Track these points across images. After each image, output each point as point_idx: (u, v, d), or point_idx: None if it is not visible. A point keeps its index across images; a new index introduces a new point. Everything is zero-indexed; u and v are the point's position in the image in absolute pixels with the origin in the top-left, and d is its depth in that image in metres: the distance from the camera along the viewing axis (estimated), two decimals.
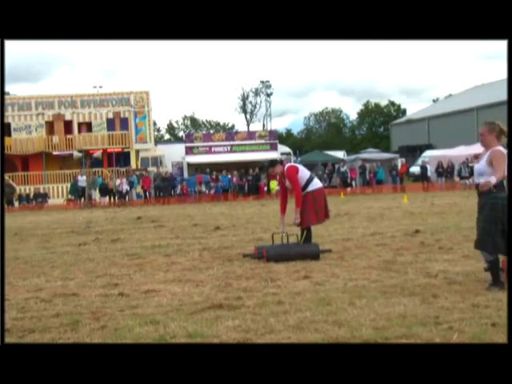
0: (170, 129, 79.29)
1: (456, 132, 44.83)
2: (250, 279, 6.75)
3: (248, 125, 66.49)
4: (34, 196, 31.28)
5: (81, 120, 37.41)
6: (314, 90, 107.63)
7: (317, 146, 63.36)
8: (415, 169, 35.67)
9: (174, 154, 36.09)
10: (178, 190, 31.19)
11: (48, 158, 36.08)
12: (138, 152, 37.09)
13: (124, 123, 37.52)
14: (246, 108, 67.14)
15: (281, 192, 8.89)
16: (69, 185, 31.85)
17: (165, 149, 39.26)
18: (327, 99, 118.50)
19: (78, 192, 30.10)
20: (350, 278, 6.58)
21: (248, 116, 67.50)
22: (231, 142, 36.24)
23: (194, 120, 78.17)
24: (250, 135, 37.47)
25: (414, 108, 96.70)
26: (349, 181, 32.50)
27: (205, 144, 35.97)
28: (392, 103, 77.12)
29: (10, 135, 35.91)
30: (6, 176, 30.43)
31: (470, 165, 31.96)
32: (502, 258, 6.36)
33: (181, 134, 73.03)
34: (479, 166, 5.78)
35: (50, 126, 37.16)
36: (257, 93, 65.64)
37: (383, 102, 77.81)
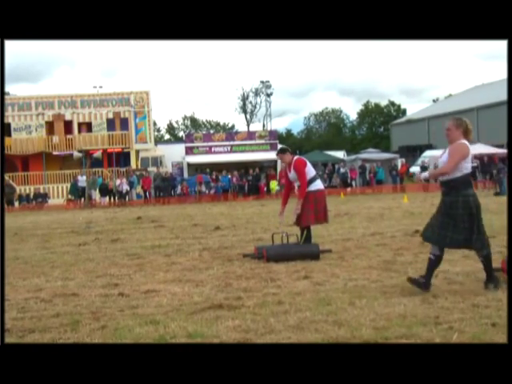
0: (170, 129, 79.30)
1: None
2: (250, 279, 6.75)
3: (248, 125, 66.59)
4: (34, 196, 31.29)
5: (81, 120, 37.43)
6: (314, 89, 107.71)
7: (317, 146, 63.37)
8: (415, 169, 35.62)
9: (174, 154, 36.09)
10: (179, 190, 31.21)
11: (48, 158, 36.11)
12: (138, 152, 37.11)
13: (124, 123, 37.54)
14: (246, 108, 67.21)
15: (285, 183, 8.91)
16: (69, 185, 31.86)
17: (165, 149, 39.28)
18: (327, 99, 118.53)
19: (78, 192, 30.11)
20: (350, 278, 6.58)
21: (248, 116, 67.59)
22: (231, 142, 36.24)
23: (194, 120, 78.18)
24: (250, 135, 37.47)
25: (414, 108, 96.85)
26: (349, 181, 32.51)
27: (205, 144, 35.98)
28: (392, 103, 77.12)
29: (10, 135, 35.93)
30: (6, 176, 30.45)
31: (471, 165, 31.99)
32: (502, 258, 6.37)
33: (181, 134, 73.05)
34: (442, 159, 5.65)
35: (50, 126, 37.19)
36: (257, 93, 65.73)
37: (383, 102, 77.91)
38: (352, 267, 7.30)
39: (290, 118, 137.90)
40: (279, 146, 10.57)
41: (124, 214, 20.71)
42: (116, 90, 38.52)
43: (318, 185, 8.50)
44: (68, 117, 37.19)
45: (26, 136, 36.50)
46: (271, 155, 35.62)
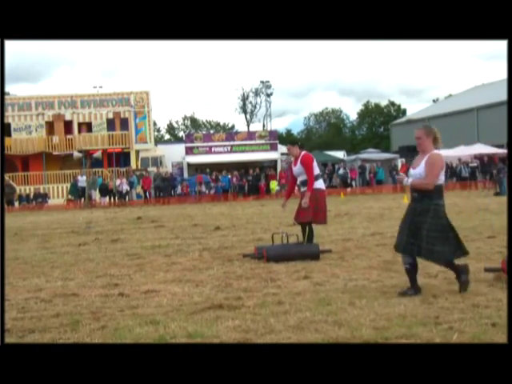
0: (170, 129, 79.28)
1: (456, 132, 44.76)
2: (250, 279, 6.75)
3: (248, 125, 66.59)
4: (34, 196, 31.29)
5: (81, 120, 37.45)
6: (314, 90, 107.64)
7: (317, 146, 63.32)
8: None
9: (174, 154, 36.09)
10: (179, 190, 31.22)
11: (48, 158, 36.11)
12: (138, 152, 37.12)
13: (124, 123, 37.54)
14: (246, 108, 67.21)
15: (290, 177, 8.95)
16: (69, 185, 31.86)
17: (165, 149, 39.28)
18: (327, 99, 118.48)
19: (78, 192, 30.11)
20: (350, 278, 6.58)
21: (248, 116, 67.59)
22: (231, 142, 36.24)
23: (194, 120, 78.17)
24: (250, 135, 37.47)
25: (414, 108, 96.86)
26: (349, 181, 32.50)
27: (205, 144, 35.98)
28: (392, 103, 77.10)
29: (10, 135, 35.94)
30: (6, 176, 30.45)
31: (471, 165, 32.01)
32: (502, 259, 6.36)
33: (181, 134, 73.02)
34: (418, 170, 5.54)
35: (50, 126, 37.20)
36: (257, 93, 65.74)
37: (383, 102, 77.89)
38: (352, 267, 7.30)
39: (290, 118, 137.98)
40: (291, 139, 10.56)
41: (124, 214, 20.71)
42: (116, 90, 38.54)
43: (321, 184, 8.52)
44: (68, 117, 37.20)
45: (25, 136, 36.51)
46: (271, 155, 35.69)
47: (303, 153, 8.54)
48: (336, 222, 12.95)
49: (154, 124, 58.77)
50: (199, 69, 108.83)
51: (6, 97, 37.02)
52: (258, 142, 36.41)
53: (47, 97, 37.59)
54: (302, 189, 8.52)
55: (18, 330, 4.83)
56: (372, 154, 41.11)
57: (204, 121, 78.44)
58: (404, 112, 73.92)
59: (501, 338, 4.05)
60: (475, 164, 32.31)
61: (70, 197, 31.10)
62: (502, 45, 4.70)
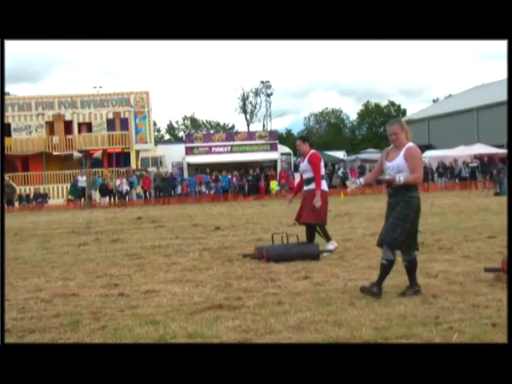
0: (170, 129, 79.29)
1: (456, 132, 44.80)
2: (250, 279, 6.75)
3: (248, 125, 66.58)
4: (34, 196, 31.29)
5: (81, 120, 37.44)
6: (314, 90, 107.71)
7: (317, 146, 62.72)
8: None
9: (174, 155, 36.08)
10: (179, 190, 31.22)
11: (48, 159, 36.11)
12: (138, 152, 37.12)
13: (124, 123, 37.54)
14: (246, 108, 67.20)
15: (300, 174, 8.94)
16: (69, 185, 31.86)
17: (165, 149, 39.28)
18: (327, 99, 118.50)
19: (78, 192, 30.11)
20: (350, 278, 6.58)
21: (248, 116, 67.58)
22: (231, 143, 36.22)
23: (194, 120, 78.17)
24: (250, 135, 37.45)
25: (414, 108, 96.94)
26: None
27: (205, 144, 35.96)
28: (392, 103, 77.10)
29: (10, 135, 35.93)
30: (6, 176, 30.44)
31: (471, 165, 32.02)
32: (502, 259, 6.36)
33: (181, 134, 73.03)
34: (396, 162, 5.51)
35: (50, 127, 37.20)
36: (257, 93, 65.72)
37: (383, 103, 77.88)
38: (352, 267, 7.30)
39: (290, 118, 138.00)
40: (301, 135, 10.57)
41: (124, 214, 20.71)
42: (116, 90, 38.53)
43: (324, 186, 8.51)
44: (68, 117, 37.19)
45: (26, 136, 36.50)
46: (271, 155, 35.67)
47: (312, 151, 8.54)
48: (336, 222, 12.94)
49: (154, 124, 58.77)
50: (199, 69, 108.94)
51: (6, 97, 37.03)
52: (258, 142, 36.40)
53: (47, 97, 37.58)
54: (305, 187, 8.52)
55: (17, 330, 4.83)
56: (372, 154, 41.13)
57: (204, 121, 78.48)
58: (404, 112, 73.90)
59: (501, 338, 4.05)
60: (475, 164, 32.32)
61: (70, 197, 31.11)
62: (501, 45, 4.70)
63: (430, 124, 52.23)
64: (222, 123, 76.75)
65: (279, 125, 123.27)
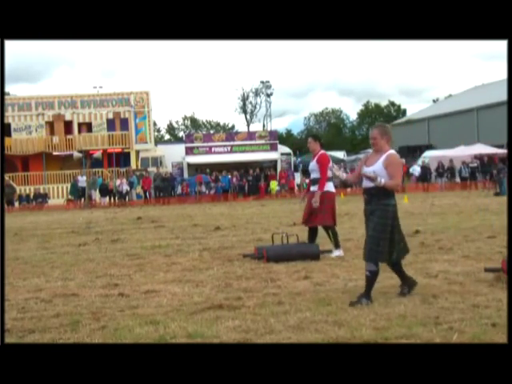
0: (170, 129, 79.29)
1: (456, 132, 44.82)
2: (250, 279, 6.75)
3: (248, 125, 66.57)
4: (34, 196, 31.29)
5: (81, 120, 37.45)
6: (314, 90, 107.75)
7: None
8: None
9: (174, 155, 36.07)
10: (179, 190, 31.22)
11: (48, 159, 36.12)
12: (138, 152, 37.12)
13: (124, 123, 37.54)
14: (246, 108, 67.18)
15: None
16: (69, 185, 31.86)
17: (165, 149, 39.28)
18: (327, 99, 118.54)
19: (78, 192, 30.11)
20: (350, 278, 6.58)
21: (248, 116, 67.57)
22: (231, 143, 36.22)
23: (194, 120, 78.17)
24: (250, 135, 37.45)
25: (414, 108, 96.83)
26: (349, 181, 32.45)
27: (205, 144, 35.95)
28: (392, 103, 77.16)
29: (10, 135, 35.94)
30: (6, 176, 30.44)
31: (471, 165, 32.02)
32: (502, 259, 6.36)
33: (181, 134, 73.03)
34: (374, 167, 5.40)
35: (50, 127, 37.20)
36: (257, 93, 65.70)
37: (383, 103, 77.91)
38: (352, 267, 7.30)
39: (290, 118, 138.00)
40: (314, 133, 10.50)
41: (124, 215, 20.72)
42: (116, 91, 38.54)
43: (331, 187, 8.48)
44: (68, 117, 37.20)
45: (26, 136, 36.51)
46: (271, 155, 35.65)
47: (322, 152, 8.52)
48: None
49: (154, 124, 58.76)
50: (199, 69, 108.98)
51: (6, 97, 37.03)
52: (258, 142, 36.38)
53: (47, 97, 37.59)
54: (312, 188, 8.49)
55: (17, 330, 4.83)
56: None
57: (204, 121, 78.49)
58: (404, 112, 73.95)
59: (501, 338, 4.05)
60: (475, 164, 32.32)
61: (70, 197, 31.12)
62: (501, 45, 4.70)
63: (429, 124, 52.25)
64: (222, 123, 76.83)
65: (279, 125, 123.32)
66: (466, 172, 31.59)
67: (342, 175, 6.08)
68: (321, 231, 8.58)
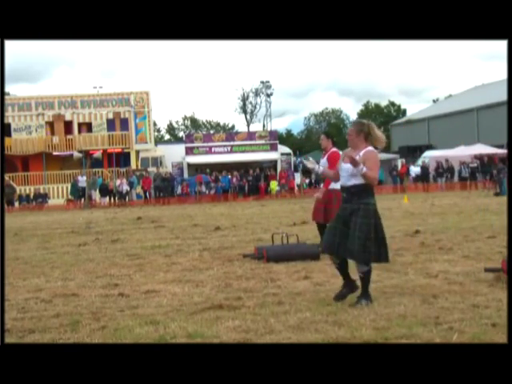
0: (170, 129, 79.26)
1: (456, 132, 44.82)
2: (250, 280, 6.75)
3: (248, 125, 66.55)
4: (34, 196, 31.30)
5: (81, 120, 37.46)
6: (314, 90, 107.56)
7: (317, 146, 62.98)
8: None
9: (174, 155, 36.09)
10: (179, 190, 31.23)
11: (48, 159, 36.13)
12: (138, 152, 37.13)
13: (124, 123, 37.55)
14: (246, 108, 67.17)
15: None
16: (69, 185, 31.87)
17: (165, 149, 39.28)
18: (327, 99, 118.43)
19: (78, 192, 30.12)
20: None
21: (248, 116, 67.55)
22: (231, 143, 36.23)
23: (194, 120, 78.14)
24: (250, 135, 37.46)
25: (414, 108, 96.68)
26: None
27: (205, 144, 35.97)
28: (392, 103, 77.09)
29: (10, 135, 35.95)
30: (6, 176, 30.44)
31: (471, 165, 32.03)
32: (502, 259, 6.36)
33: (181, 134, 72.99)
34: (350, 165, 5.31)
35: (50, 127, 37.21)
36: (257, 93, 65.68)
37: (383, 103, 77.87)
38: (352, 267, 7.28)
39: (290, 118, 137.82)
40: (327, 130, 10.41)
41: (124, 215, 20.72)
42: (116, 91, 38.57)
43: (337, 185, 8.47)
44: (68, 117, 37.21)
45: (26, 136, 36.52)
46: (271, 155, 35.68)
47: (333, 149, 8.52)
48: None
49: (154, 124, 58.73)
50: (199, 69, 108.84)
51: (6, 97, 37.03)
52: (258, 142, 36.40)
53: (47, 97, 37.61)
54: (322, 185, 8.54)
55: (17, 330, 4.83)
56: None
57: (204, 121, 78.45)
58: (404, 112, 73.90)
59: (501, 338, 4.04)
60: (475, 164, 32.33)
61: (70, 197, 31.12)
62: (502, 45, 4.70)
63: (429, 124, 52.25)
64: (222, 123, 76.76)
65: (279, 125, 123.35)
66: (466, 172, 31.60)
67: (319, 169, 5.98)
68: (315, 231, 8.59)
